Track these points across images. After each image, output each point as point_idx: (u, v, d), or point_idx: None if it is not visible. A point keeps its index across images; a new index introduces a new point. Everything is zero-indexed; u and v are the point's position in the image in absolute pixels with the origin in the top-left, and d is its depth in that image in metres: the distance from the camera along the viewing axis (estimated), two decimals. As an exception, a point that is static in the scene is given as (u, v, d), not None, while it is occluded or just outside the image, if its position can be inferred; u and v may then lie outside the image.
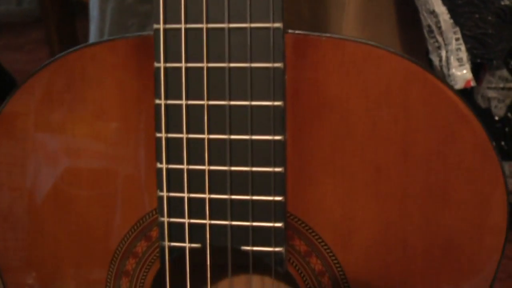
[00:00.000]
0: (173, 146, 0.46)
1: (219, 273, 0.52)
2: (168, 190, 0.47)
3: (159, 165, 0.47)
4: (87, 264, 0.51)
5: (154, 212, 0.49)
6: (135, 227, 0.49)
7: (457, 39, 0.70)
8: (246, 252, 0.47)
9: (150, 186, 0.48)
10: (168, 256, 0.48)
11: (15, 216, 0.51)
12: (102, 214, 0.50)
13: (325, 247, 0.47)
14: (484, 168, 0.45)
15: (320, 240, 0.47)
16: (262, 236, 0.47)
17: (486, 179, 0.45)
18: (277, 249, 0.47)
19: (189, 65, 0.45)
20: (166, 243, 0.48)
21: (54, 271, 0.52)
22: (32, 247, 0.52)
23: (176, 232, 0.48)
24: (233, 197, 0.46)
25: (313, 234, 0.47)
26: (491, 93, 0.93)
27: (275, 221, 0.46)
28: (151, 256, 0.50)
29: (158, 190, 0.47)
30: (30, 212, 0.51)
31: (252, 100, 0.45)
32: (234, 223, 0.47)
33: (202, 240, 0.48)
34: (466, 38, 0.76)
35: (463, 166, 0.45)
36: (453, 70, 0.70)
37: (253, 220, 0.47)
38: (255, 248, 0.47)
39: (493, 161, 0.45)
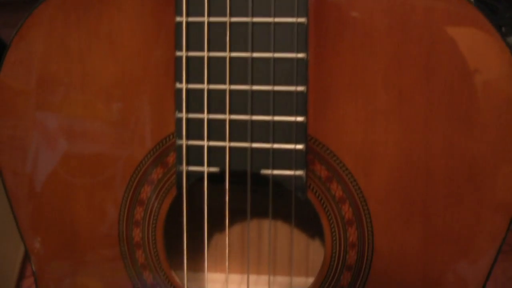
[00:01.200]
0: (194, 65, 0.46)
1: (236, 213, 0.51)
2: (187, 111, 0.47)
3: (178, 85, 0.46)
4: (100, 193, 0.51)
5: (171, 137, 0.49)
6: (151, 153, 0.49)
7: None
8: (266, 177, 0.47)
9: (168, 108, 0.48)
10: (186, 181, 0.48)
11: (26, 144, 0.51)
12: (117, 138, 0.49)
13: (346, 172, 0.47)
14: (509, 90, 0.45)
15: (341, 165, 0.47)
16: (282, 159, 0.47)
17: (511, 101, 0.45)
18: (297, 172, 0.47)
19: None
20: (184, 168, 0.48)
21: (65, 202, 0.51)
22: (44, 177, 0.51)
23: (194, 155, 0.48)
24: (254, 117, 0.46)
25: (334, 158, 0.47)
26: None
27: (296, 143, 0.46)
28: (167, 183, 0.50)
29: (177, 111, 0.47)
30: (43, 140, 0.51)
31: (275, 16, 0.45)
32: (254, 145, 0.47)
33: (221, 164, 0.47)
34: (477, 4, 0.77)
35: (487, 88, 0.45)
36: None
37: (274, 142, 0.46)
38: (275, 172, 0.47)
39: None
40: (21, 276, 0.93)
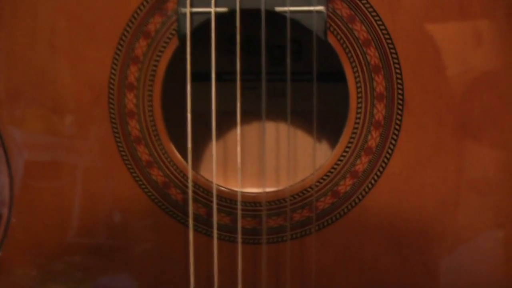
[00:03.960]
0: None
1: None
2: None
3: None
4: (87, 52, 0.45)
5: (171, -22, 0.44)
6: (148, -1, 0.44)
7: None
8: (283, 16, 0.43)
9: None
10: (190, 27, 0.43)
11: None
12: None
13: (371, 9, 0.44)
14: None
15: (364, 2, 0.44)
16: (300, -7, 0.43)
17: None
18: (317, 8, 0.43)
19: None
20: (188, 9, 0.43)
21: (47, 64, 0.45)
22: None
23: (199, -6, 0.43)
24: None
25: (357, -6, 0.44)
26: None
27: (316, -27, 0.43)
28: (167, 34, 0.45)
29: None
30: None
31: None
32: (268, -23, 0.43)
33: (230, 2, 0.43)
34: None
35: None
36: None
37: (291, -27, 0.43)
38: (292, 8, 0.43)
39: None
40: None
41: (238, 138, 0.47)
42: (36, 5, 0.46)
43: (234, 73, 0.46)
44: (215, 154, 0.47)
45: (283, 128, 0.55)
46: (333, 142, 0.51)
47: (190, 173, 0.47)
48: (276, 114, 0.53)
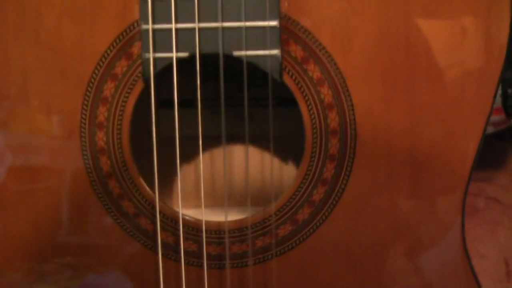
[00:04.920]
0: None
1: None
2: (152, -9, 0.46)
3: (141, -37, 0.45)
4: (58, 93, 0.49)
5: (135, 25, 0.47)
6: (114, 44, 0.48)
7: None
8: (239, 60, 0.46)
9: (130, -8, 0.47)
10: (153, 70, 0.47)
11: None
12: (75, 30, 0.48)
13: (323, 51, 0.47)
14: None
15: (317, 44, 0.47)
16: (255, 38, 0.47)
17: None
18: (272, 52, 0.46)
19: None
20: (151, 54, 0.46)
21: (19, 103, 0.49)
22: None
23: (161, 41, 0.47)
24: (224, -6, 0.46)
25: (310, 37, 0.47)
26: None
27: (270, 19, 0.46)
28: (133, 76, 0.48)
29: (141, -7, 0.46)
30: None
31: None
32: (225, 24, 0.46)
33: (191, 48, 0.47)
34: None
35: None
36: None
37: (246, 20, 0.46)
38: (249, 53, 0.46)
39: None
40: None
41: (201, 171, 0.51)
42: (8, 48, 0.49)
43: (203, 99, 0.49)
44: (179, 182, 0.51)
45: (251, 151, 0.59)
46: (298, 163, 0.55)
47: (157, 205, 0.51)
48: (241, 138, 0.57)
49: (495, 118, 1.08)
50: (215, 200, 0.60)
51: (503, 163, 1.12)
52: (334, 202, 0.51)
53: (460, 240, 0.52)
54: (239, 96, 0.53)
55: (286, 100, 0.56)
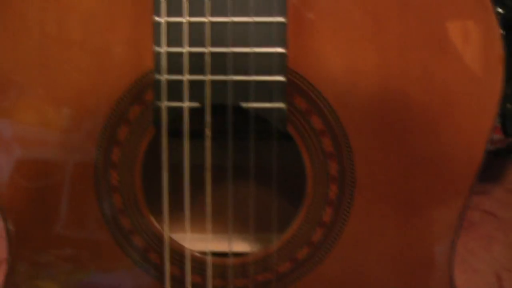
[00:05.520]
0: (172, -2, 0.48)
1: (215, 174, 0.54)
2: (167, 45, 0.48)
3: (156, 19, 0.48)
4: (75, 136, 0.52)
5: (149, 74, 0.50)
6: (128, 91, 0.51)
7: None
8: (247, 110, 0.49)
9: (145, 44, 0.50)
10: (166, 119, 0.50)
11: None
12: (92, 78, 0.51)
13: (326, 104, 0.50)
14: (480, 19, 0.49)
15: (320, 97, 0.50)
16: (263, 91, 0.50)
17: (483, 30, 0.49)
18: (278, 105, 0.49)
19: None
20: (163, 103, 0.50)
21: (41, 146, 0.52)
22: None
23: (174, 90, 0.50)
24: (234, 49, 0.48)
25: (314, 90, 0.50)
26: None
27: (277, 74, 0.49)
28: (145, 122, 0.51)
29: (155, 46, 0.49)
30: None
31: None
32: (235, 77, 0.49)
33: (201, 98, 0.50)
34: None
35: (459, 15, 0.49)
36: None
37: (255, 74, 0.49)
38: (255, 105, 0.49)
39: (488, 11, 0.49)
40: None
41: (208, 208, 0.54)
42: (27, 90, 0.53)
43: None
44: (189, 224, 0.54)
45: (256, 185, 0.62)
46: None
47: (167, 242, 0.54)
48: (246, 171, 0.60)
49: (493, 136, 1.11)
50: (219, 227, 0.63)
51: (500, 177, 1.15)
52: (332, 243, 0.54)
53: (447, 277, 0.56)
54: (245, 130, 0.56)
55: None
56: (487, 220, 1.10)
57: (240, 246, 0.57)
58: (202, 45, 0.50)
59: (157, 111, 0.52)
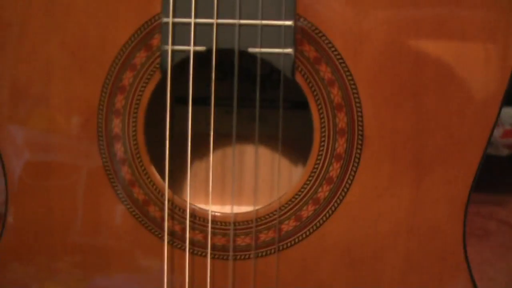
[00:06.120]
0: None
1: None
2: (175, -14, 0.48)
3: (166, -41, 0.48)
4: (79, 80, 0.51)
5: (156, 18, 0.50)
6: (135, 35, 0.50)
7: None
8: (253, 56, 0.49)
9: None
10: (171, 62, 0.49)
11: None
12: (99, 22, 0.50)
13: (336, 53, 0.49)
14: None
15: (330, 45, 0.49)
16: (271, 36, 0.49)
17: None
18: (286, 50, 0.49)
19: None
20: (170, 47, 0.49)
21: (41, 86, 0.52)
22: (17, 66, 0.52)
23: (180, 34, 0.49)
24: (243, -8, 0.48)
25: (324, 39, 0.49)
26: None
27: (285, 19, 0.48)
28: (151, 67, 0.51)
29: (164, -12, 0.48)
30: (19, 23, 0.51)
31: None
32: (242, 21, 0.48)
33: (208, 42, 0.49)
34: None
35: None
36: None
37: (262, 18, 0.48)
38: (263, 50, 0.49)
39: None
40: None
41: (211, 159, 0.53)
42: (36, 36, 0.52)
43: (218, 98, 0.52)
44: (189, 173, 0.53)
45: (262, 151, 0.61)
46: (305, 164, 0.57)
47: (166, 192, 0.53)
48: (254, 138, 0.59)
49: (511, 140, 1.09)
50: (224, 199, 0.62)
51: (516, 188, 1.13)
52: (338, 201, 0.52)
53: (462, 252, 0.53)
54: (252, 97, 0.55)
55: (298, 104, 0.58)
56: (503, 230, 1.08)
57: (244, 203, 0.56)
58: (211, -13, 0.50)
59: (163, 55, 0.51)
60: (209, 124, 0.52)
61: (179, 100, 0.56)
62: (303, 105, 0.57)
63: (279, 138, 0.55)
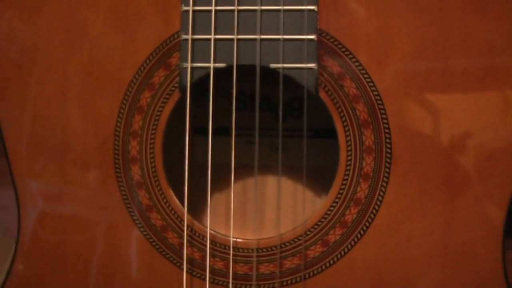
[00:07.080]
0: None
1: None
2: (194, 4, 0.48)
3: (185, -24, 0.48)
4: (97, 100, 0.50)
5: (175, 36, 0.49)
6: (153, 54, 0.49)
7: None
8: (276, 71, 0.47)
9: (171, 4, 0.49)
10: (190, 80, 0.48)
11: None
12: (117, 41, 0.50)
13: (360, 67, 0.48)
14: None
15: (354, 60, 0.48)
16: (293, 51, 0.48)
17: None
18: (309, 65, 0.47)
19: None
20: (189, 64, 0.48)
21: (57, 108, 0.50)
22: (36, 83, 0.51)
23: (200, 51, 0.49)
24: (263, 7, 0.47)
25: (347, 53, 0.48)
26: None
27: (308, 33, 0.47)
28: (169, 86, 0.50)
29: (183, 5, 0.48)
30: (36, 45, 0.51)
31: None
32: (263, 36, 0.47)
33: (228, 59, 0.48)
34: None
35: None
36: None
37: (284, 33, 0.47)
38: (285, 65, 0.47)
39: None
40: None
41: (232, 186, 0.51)
42: (52, 55, 0.52)
43: (238, 128, 0.50)
44: (209, 200, 0.51)
45: (283, 181, 0.59)
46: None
47: (186, 217, 0.51)
48: (276, 168, 0.57)
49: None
50: (245, 232, 0.59)
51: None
52: (367, 223, 0.50)
53: (502, 276, 0.50)
54: (273, 127, 0.54)
55: (320, 132, 0.56)
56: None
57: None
58: (231, 3, 0.49)
59: (182, 72, 0.50)
60: (229, 154, 0.51)
61: (198, 130, 0.54)
62: (324, 133, 0.55)
63: (304, 168, 0.53)
